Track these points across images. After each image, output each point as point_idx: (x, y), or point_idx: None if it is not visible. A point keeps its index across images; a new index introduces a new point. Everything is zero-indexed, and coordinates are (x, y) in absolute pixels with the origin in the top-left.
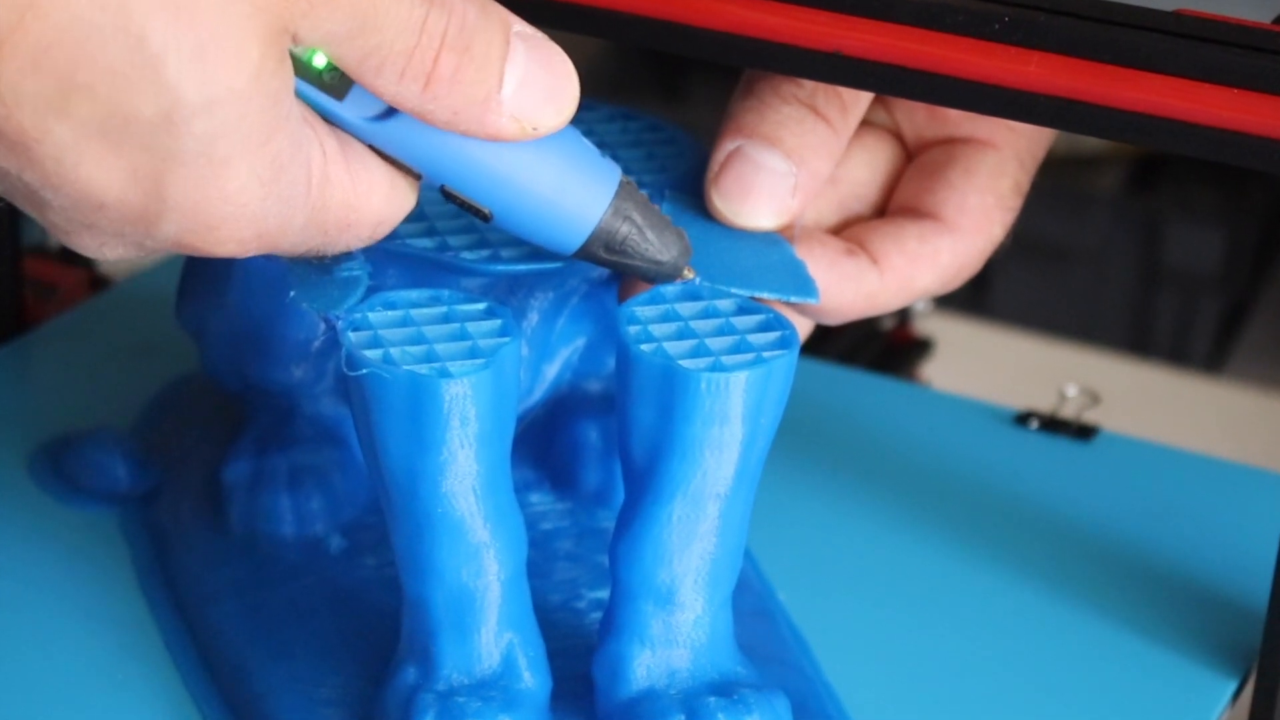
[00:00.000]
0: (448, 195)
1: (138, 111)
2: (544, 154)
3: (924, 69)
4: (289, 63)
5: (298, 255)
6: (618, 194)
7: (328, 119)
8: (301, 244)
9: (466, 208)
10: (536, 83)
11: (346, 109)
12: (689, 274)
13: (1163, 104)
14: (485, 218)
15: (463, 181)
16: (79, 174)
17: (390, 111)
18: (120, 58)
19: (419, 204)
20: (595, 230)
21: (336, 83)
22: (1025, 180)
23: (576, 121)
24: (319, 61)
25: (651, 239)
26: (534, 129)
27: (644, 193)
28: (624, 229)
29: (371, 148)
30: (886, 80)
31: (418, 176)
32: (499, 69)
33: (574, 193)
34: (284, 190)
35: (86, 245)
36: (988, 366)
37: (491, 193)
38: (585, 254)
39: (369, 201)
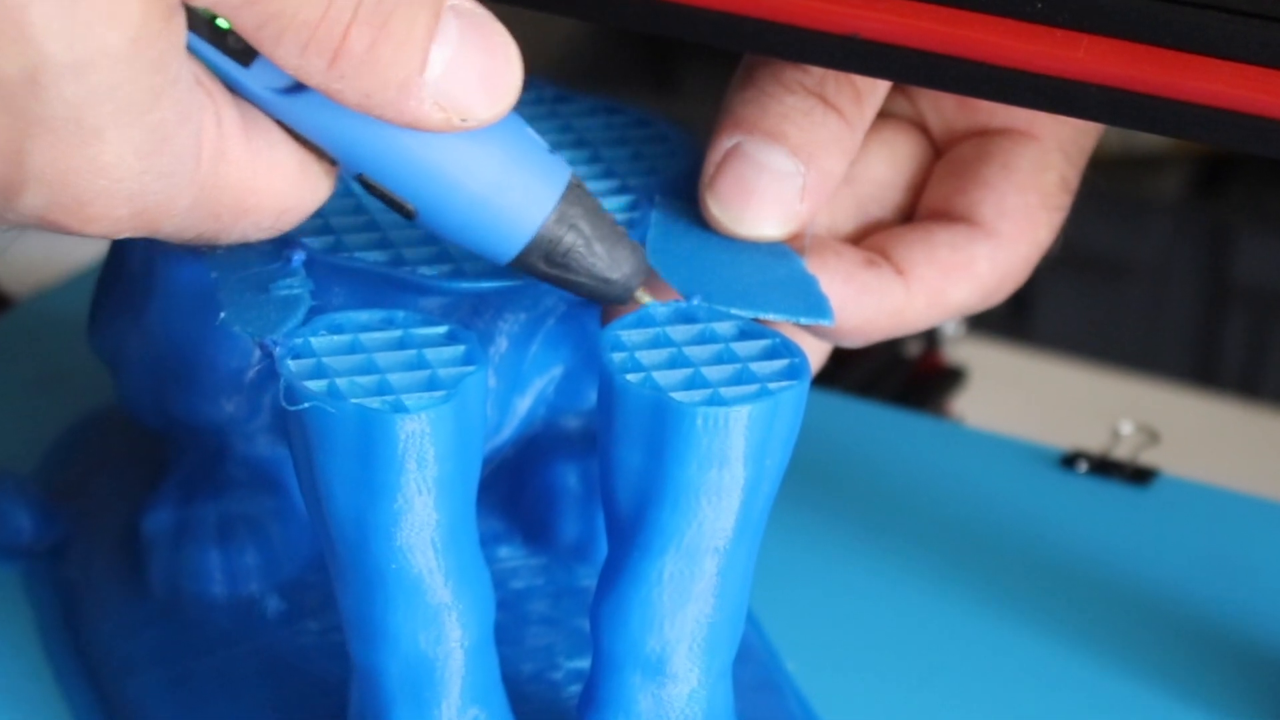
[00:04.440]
0: (366, 186)
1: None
2: (479, 145)
3: (955, 55)
4: (179, 20)
5: (186, 241)
6: (564, 198)
7: (232, 87)
8: (190, 228)
9: (387, 201)
10: (469, 67)
11: (252, 78)
12: (643, 297)
13: (1233, 95)
14: (409, 215)
15: (382, 171)
16: None
17: (302, 84)
18: None
19: (370, 213)
20: (534, 238)
21: (243, 47)
22: (1073, 175)
23: (553, 114)
24: (224, 20)
25: (600, 253)
26: (462, 120)
27: (598, 200)
28: (568, 239)
29: (281, 124)
30: (911, 68)
31: (335, 161)
32: (423, 48)
33: (512, 193)
34: (167, 165)
35: None
36: (1029, 400)
37: (415, 187)
38: (521, 264)
39: (271, 184)
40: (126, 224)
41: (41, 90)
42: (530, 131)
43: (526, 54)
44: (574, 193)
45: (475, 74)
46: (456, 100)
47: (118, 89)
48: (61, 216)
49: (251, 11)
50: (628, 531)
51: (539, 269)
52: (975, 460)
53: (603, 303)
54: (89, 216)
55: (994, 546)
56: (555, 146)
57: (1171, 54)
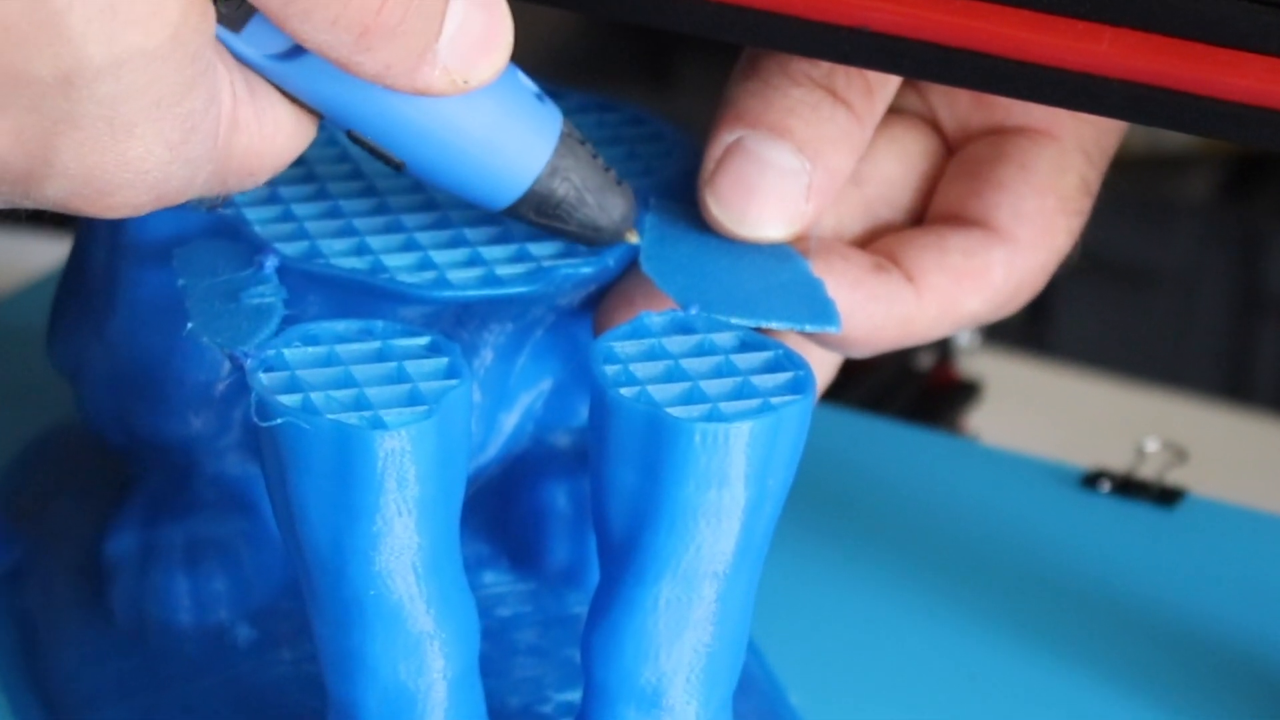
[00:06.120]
0: (354, 140)
1: (32, 72)
2: (473, 101)
3: (970, 48)
4: (212, 12)
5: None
6: (557, 150)
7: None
8: (196, 195)
9: (375, 155)
10: (473, 28)
11: (244, 44)
12: (631, 237)
13: (1265, 92)
14: (397, 167)
15: (375, 129)
16: None
17: (298, 49)
18: (17, 13)
19: (346, 216)
20: (526, 193)
21: (233, 12)
22: (1094, 177)
23: None
24: None
25: (590, 203)
26: (464, 82)
27: (588, 144)
28: (560, 191)
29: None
30: (924, 63)
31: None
32: (440, 15)
33: (506, 149)
34: (192, 152)
35: None
36: (1049, 415)
37: (407, 142)
38: (511, 214)
39: (274, 144)
40: (146, 208)
41: (74, 90)
42: (522, 78)
43: (515, 48)
44: (566, 143)
45: (478, 35)
46: (463, 64)
47: (153, 85)
48: (82, 204)
49: None
50: (621, 555)
51: (529, 219)
52: (991, 480)
53: (590, 246)
54: (110, 205)
55: (1012, 571)
56: None
57: (1200, 47)
